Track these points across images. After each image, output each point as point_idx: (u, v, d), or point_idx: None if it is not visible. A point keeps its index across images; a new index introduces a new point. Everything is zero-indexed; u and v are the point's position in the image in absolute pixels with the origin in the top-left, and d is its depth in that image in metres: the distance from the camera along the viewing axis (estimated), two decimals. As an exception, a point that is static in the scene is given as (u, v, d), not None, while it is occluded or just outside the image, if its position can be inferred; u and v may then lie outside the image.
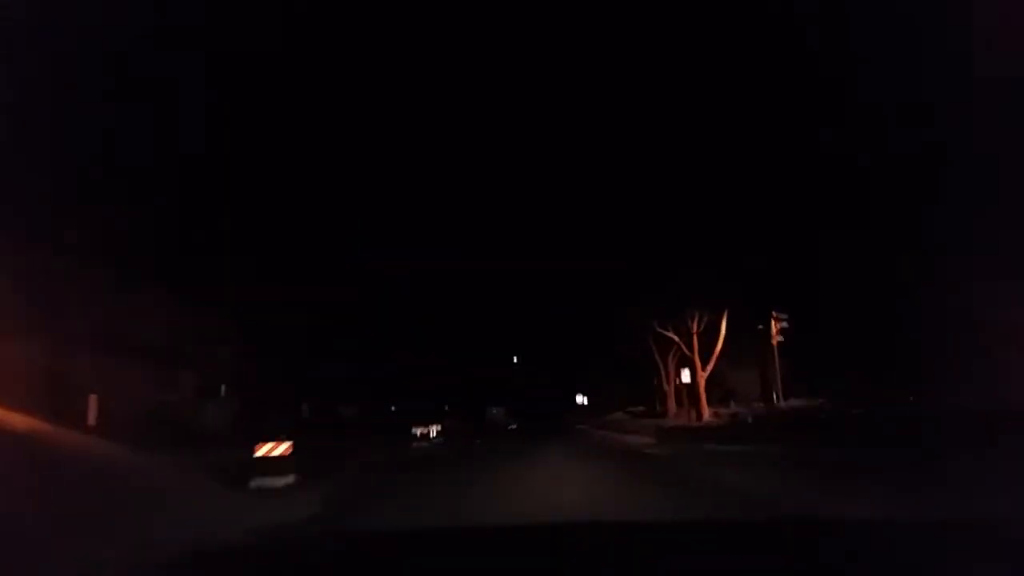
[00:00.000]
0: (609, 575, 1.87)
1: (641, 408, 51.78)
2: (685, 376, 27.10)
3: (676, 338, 29.57)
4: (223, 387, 21.86)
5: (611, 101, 27.77)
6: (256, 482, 10.09)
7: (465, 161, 34.42)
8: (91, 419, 19.30)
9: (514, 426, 54.35)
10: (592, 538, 2.41)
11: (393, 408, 46.39)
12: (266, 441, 10.45)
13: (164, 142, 18.92)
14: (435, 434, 28.44)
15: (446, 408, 56.35)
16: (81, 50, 15.48)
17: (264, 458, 10.31)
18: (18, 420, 9.05)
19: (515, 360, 71.00)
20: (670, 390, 36.99)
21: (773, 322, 26.76)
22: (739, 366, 33.90)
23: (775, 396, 27.01)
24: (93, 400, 19.77)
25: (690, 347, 29.04)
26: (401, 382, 45.77)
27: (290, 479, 10.28)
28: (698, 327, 28.96)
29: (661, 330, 30.05)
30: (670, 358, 35.60)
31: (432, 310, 45.45)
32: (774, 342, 26.66)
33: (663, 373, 36.68)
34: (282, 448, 10.33)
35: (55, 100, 15.52)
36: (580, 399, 72.20)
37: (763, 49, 22.40)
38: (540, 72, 26.98)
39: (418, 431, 26.85)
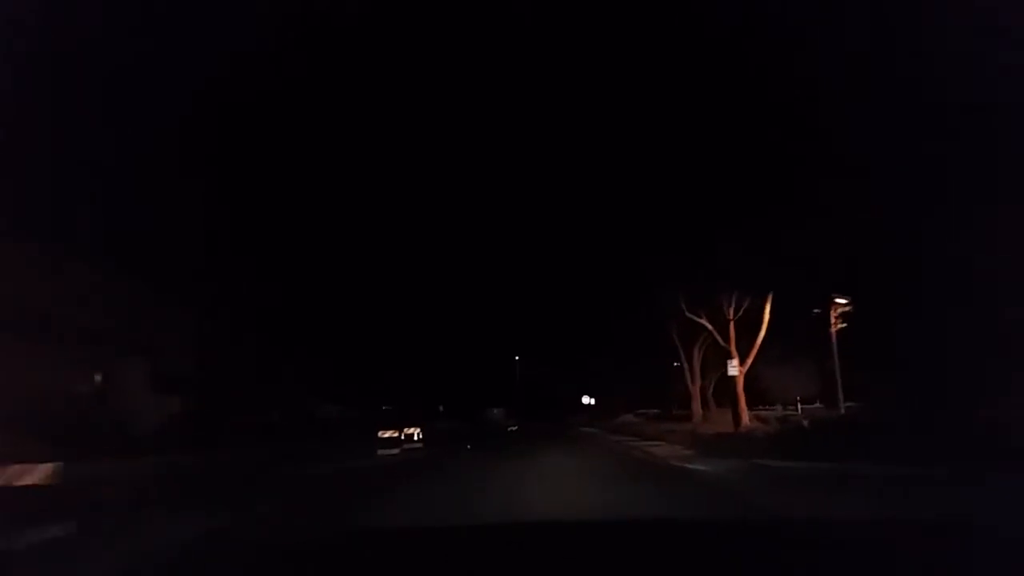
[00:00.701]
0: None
1: (655, 410, 47.10)
2: (732, 369, 22.07)
3: (709, 325, 24.42)
4: (97, 377, 16.86)
5: (619, 75, 23.60)
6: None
7: (465, 150, 30.62)
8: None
9: (515, 428, 49.81)
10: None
11: (385, 408, 42.11)
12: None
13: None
14: (416, 438, 23.44)
15: (440, 409, 51.53)
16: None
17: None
18: None
19: (517, 359, 65.96)
20: (695, 389, 31.83)
21: (832, 308, 21.57)
22: (771, 361, 28.80)
23: (836, 397, 21.84)
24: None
25: (726, 337, 23.92)
26: (395, 382, 41.96)
27: (50, 532, 5.30)
28: (735, 313, 23.88)
29: (692, 315, 24.88)
30: (695, 351, 30.51)
31: (429, 306, 41.77)
32: (833, 330, 21.47)
33: (687, 369, 31.54)
34: (39, 473, 5.31)
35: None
36: (587, 400, 67.61)
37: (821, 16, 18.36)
38: (543, 56, 23.37)
39: (391, 435, 21.85)
